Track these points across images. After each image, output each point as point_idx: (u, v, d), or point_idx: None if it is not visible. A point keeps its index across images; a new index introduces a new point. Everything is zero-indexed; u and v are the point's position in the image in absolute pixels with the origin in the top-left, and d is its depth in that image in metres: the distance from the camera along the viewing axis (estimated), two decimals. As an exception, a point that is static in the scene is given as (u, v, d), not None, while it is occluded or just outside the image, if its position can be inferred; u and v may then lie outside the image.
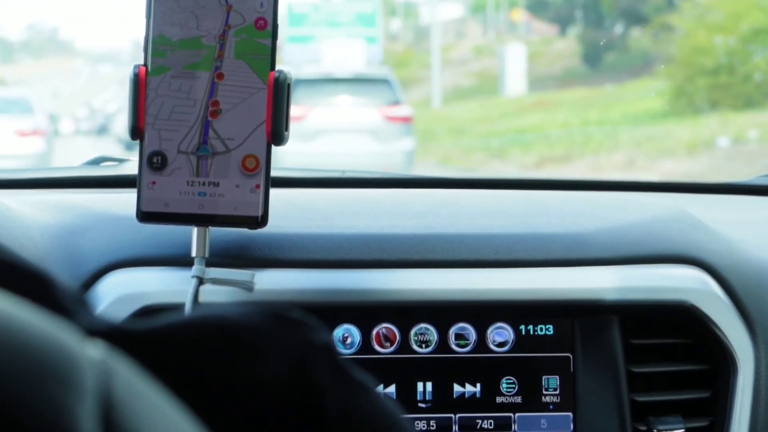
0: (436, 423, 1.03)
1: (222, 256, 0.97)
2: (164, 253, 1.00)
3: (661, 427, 1.04)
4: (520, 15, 27.54)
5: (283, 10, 18.46)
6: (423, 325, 1.04)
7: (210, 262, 0.93)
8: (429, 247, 1.04)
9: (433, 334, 1.04)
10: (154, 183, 0.90)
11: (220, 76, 0.89)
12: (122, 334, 0.41)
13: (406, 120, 11.19)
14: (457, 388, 1.04)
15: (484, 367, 1.04)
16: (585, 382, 1.04)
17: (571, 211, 1.13)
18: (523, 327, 1.05)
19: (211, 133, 0.89)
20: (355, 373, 0.45)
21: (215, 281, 0.93)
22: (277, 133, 0.89)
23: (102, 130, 23.05)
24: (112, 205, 1.07)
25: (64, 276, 0.98)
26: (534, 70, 21.01)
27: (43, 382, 0.32)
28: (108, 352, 0.35)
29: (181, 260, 0.97)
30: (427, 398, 1.03)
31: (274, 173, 0.91)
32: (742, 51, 14.08)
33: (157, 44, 0.89)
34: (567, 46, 23.92)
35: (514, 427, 1.04)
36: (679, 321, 1.06)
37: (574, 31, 25.15)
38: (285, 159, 8.35)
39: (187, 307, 0.91)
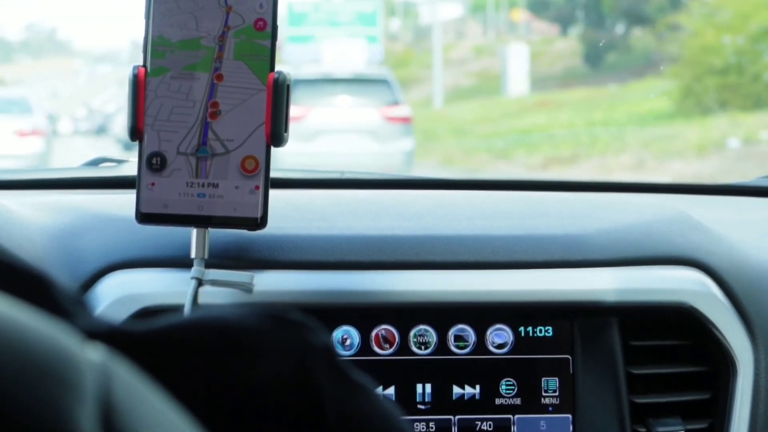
0: (435, 425, 1.03)
1: (221, 258, 0.97)
2: (163, 254, 1.00)
3: (660, 429, 1.04)
4: (520, 15, 27.53)
5: (283, 9, 18.43)
6: (422, 326, 1.04)
7: (209, 264, 0.93)
8: (428, 248, 1.04)
9: (432, 336, 1.04)
10: (153, 184, 0.90)
11: (220, 77, 0.89)
12: (121, 335, 0.41)
13: (406, 120, 11.19)
14: (456, 389, 1.04)
15: (484, 369, 1.04)
16: (584, 383, 1.04)
17: (570, 213, 1.13)
18: (522, 328, 1.05)
19: (210, 134, 0.89)
20: (355, 374, 0.45)
21: (214, 283, 0.93)
22: (277, 135, 0.89)
23: (101, 131, 23.01)
24: (111, 206, 1.07)
25: (64, 277, 0.98)
26: (535, 70, 20.96)
27: (42, 384, 0.32)
28: (107, 354, 0.35)
29: (181, 261, 0.97)
30: (426, 400, 1.03)
31: (273, 174, 0.91)
32: (752, 50, 13.93)
33: (157, 45, 0.89)
34: (568, 46, 23.89)
35: (514, 428, 1.04)
36: (679, 323, 1.06)
37: (575, 31, 25.12)
38: (284, 159, 8.35)
39: (187, 309, 0.91)
